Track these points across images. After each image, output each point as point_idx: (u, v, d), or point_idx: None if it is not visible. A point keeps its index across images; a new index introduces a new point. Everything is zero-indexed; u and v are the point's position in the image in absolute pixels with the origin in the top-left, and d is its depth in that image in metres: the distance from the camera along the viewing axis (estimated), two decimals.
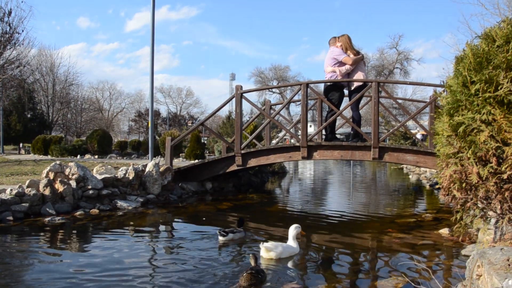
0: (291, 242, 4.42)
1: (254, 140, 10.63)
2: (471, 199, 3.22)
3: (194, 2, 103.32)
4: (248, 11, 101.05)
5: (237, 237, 4.98)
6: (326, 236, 5.29)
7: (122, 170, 7.96)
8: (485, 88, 2.92)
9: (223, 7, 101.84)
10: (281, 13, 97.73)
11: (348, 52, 8.12)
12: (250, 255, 3.74)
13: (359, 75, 8.08)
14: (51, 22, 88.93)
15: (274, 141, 15.00)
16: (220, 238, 4.92)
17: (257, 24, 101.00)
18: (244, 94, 8.71)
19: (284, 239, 4.59)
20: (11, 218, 5.87)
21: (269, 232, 5.53)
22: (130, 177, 7.88)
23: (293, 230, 4.45)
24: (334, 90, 8.24)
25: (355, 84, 8.10)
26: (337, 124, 9.70)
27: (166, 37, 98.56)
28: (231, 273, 3.76)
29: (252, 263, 3.60)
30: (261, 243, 4.29)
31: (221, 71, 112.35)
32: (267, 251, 4.19)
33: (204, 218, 6.64)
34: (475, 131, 2.96)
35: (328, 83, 8.31)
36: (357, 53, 8.16)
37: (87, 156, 17.01)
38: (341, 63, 8.04)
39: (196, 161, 12.50)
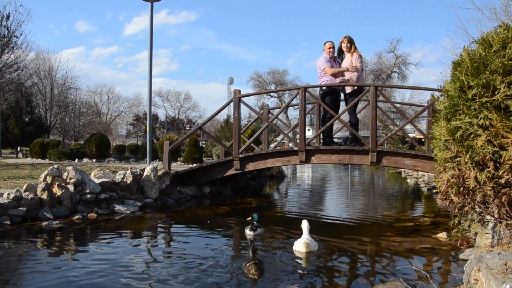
0: (308, 236, 4.72)
1: (252, 144, 10.62)
2: (469, 203, 3.23)
3: (193, 6, 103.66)
4: (247, 16, 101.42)
5: (262, 232, 5.50)
6: (324, 240, 5.28)
7: (120, 174, 7.95)
8: (482, 93, 2.94)
9: (222, 12, 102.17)
10: (280, 18, 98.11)
11: (354, 54, 8.18)
12: (250, 248, 3.96)
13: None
14: (50, 26, 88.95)
15: (272, 145, 15.01)
16: (251, 233, 5.37)
17: (256, 29, 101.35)
18: (242, 98, 8.73)
19: (282, 240, 4.61)
20: (8, 222, 5.84)
21: (269, 235, 5.52)
22: (128, 181, 7.86)
23: (307, 224, 4.78)
24: (328, 94, 8.32)
25: (350, 88, 8.16)
26: (334, 128, 9.73)
27: (165, 41, 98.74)
28: (231, 272, 3.82)
29: (251, 253, 3.87)
30: (300, 239, 4.64)
31: (219, 75, 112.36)
32: (308, 246, 4.54)
33: (208, 221, 6.69)
34: (472, 135, 2.98)
35: (323, 88, 8.37)
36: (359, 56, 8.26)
37: (85, 160, 16.98)
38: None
39: (194, 165, 12.49)
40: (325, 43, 8.39)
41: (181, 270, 3.97)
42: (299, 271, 4.00)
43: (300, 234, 4.84)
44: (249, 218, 5.63)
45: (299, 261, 4.32)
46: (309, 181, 15.97)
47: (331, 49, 8.31)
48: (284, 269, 4.01)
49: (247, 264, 3.75)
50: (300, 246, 4.57)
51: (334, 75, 8.15)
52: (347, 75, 8.13)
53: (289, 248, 4.80)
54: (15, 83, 23.60)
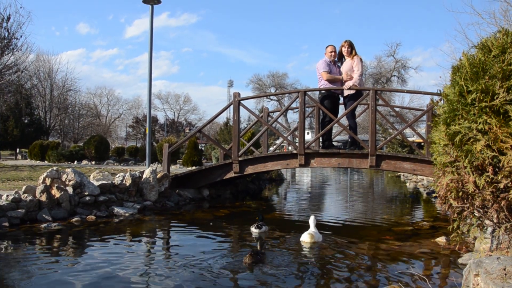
0: (315, 229, 5.27)
1: (251, 147, 10.62)
2: (468, 208, 3.23)
3: (194, 9, 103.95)
4: (248, 19, 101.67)
5: (267, 230, 5.79)
6: (323, 243, 5.28)
7: (119, 176, 7.94)
8: (481, 98, 2.95)
9: (223, 15, 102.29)
10: (281, 21, 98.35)
11: (354, 58, 8.21)
12: (258, 242, 4.54)
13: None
14: (51, 28, 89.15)
15: (271, 148, 15.02)
16: (256, 230, 5.68)
17: (256, 32, 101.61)
18: (241, 101, 8.73)
19: (281, 240, 4.63)
20: (7, 224, 5.83)
21: (269, 236, 5.53)
22: (127, 184, 7.85)
23: (314, 219, 5.36)
24: (327, 97, 8.35)
25: (347, 92, 8.18)
26: (334, 131, 9.73)
27: (165, 43, 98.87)
28: (230, 270, 3.90)
29: (258, 247, 4.42)
30: (307, 231, 5.19)
31: (220, 78, 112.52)
32: (312, 237, 5.08)
33: (211, 224, 6.73)
34: (471, 140, 2.98)
35: (322, 91, 8.40)
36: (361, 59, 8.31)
37: (84, 162, 16.96)
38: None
39: (194, 168, 12.49)
40: (327, 47, 8.44)
41: (180, 271, 3.96)
42: (298, 272, 4.00)
43: (300, 233, 5.29)
44: (258, 218, 5.93)
45: (298, 261, 4.36)
46: (308, 185, 15.96)
47: (333, 53, 8.35)
48: (283, 272, 4.01)
49: (246, 255, 4.19)
50: (305, 237, 5.12)
51: (330, 81, 8.19)
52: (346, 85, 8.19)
53: (289, 247, 4.96)
54: (14, 85, 23.63)
